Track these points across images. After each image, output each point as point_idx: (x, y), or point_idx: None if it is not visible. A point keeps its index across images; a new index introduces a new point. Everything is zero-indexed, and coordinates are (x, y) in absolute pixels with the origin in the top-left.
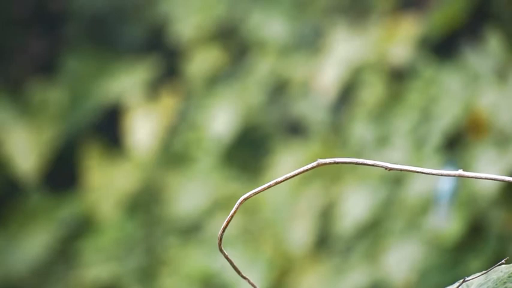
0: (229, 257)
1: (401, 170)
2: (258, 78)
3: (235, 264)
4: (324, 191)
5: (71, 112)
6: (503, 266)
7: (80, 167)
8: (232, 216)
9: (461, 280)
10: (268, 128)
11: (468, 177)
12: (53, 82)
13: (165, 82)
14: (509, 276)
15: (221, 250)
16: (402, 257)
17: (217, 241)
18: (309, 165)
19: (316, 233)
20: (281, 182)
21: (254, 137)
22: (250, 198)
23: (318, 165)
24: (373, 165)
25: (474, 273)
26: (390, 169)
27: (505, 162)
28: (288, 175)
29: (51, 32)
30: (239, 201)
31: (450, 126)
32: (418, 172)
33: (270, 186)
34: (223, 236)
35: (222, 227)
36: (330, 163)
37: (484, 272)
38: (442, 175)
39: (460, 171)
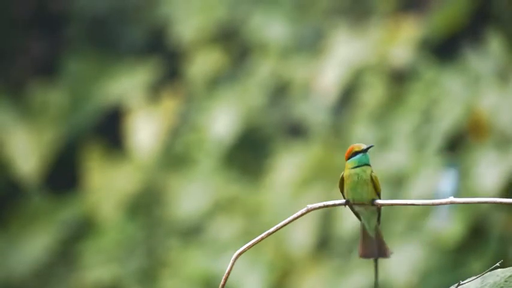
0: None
1: (385, 205)
2: (259, 80)
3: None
4: (325, 194)
5: (71, 114)
6: (499, 270)
7: (80, 168)
8: (229, 273)
9: (456, 284)
10: (269, 129)
11: (460, 203)
12: (53, 84)
13: (166, 84)
14: (506, 281)
15: None
16: (403, 259)
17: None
18: (299, 212)
19: (317, 235)
20: (273, 232)
21: (255, 138)
22: (251, 201)
23: (308, 211)
24: (364, 204)
25: (474, 275)
26: (381, 205)
27: (506, 164)
28: (279, 225)
29: (52, 33)
30: (234, 256)
31: (451, 128)
32: (407, 205)
33: (262, 239)
34: (226, 238)
35: (221, 285)
36: (319, 207)
37: (478, 275)
38: (433, 204)
39: (451, 198)
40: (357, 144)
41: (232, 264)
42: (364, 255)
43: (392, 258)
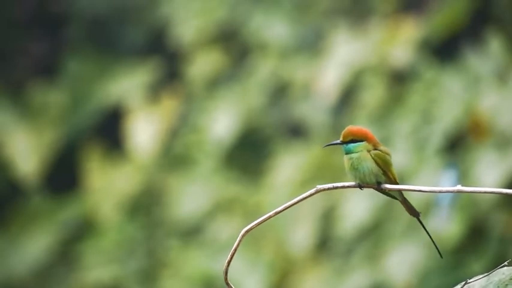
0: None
1: (391, 189)
2: (259, 81)
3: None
4: (325, 194)
5: (72, 114)
6: (504, 268)
7: (81, 169)
8: (235, 250)
9: (463, 282)
10: (269, 130)
11: (467, 192)
12: (54, 84)
13: (166, 85)
14: (511, 279)
15: (227, 284)
16: (403, 259)
17: (223, 270)
18: (308, 192)
19: (317, 236)
20: (281, 211)
21: (255, 139)
22: (251, 201)
23: (317, 192)
24: (373, 188)
25: (475, 275)
26: (389, 189)
27: (506, 165)
28: (287, 204)
29: (52, 34)
30: (241, 233)
31: (451, 129)
32: (415, 191)
33: (270, 217)
34: (226, 239)
35: (227, 261)
36: (329, 188)
37: (486, 274)
38: (441, 192)
39: (459, 187)
40: (349, 127)
41: (240, 240)
42: (410, 214)
43: (392, 258)
